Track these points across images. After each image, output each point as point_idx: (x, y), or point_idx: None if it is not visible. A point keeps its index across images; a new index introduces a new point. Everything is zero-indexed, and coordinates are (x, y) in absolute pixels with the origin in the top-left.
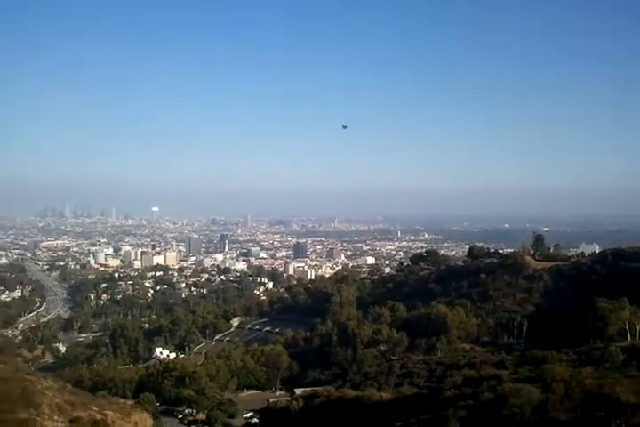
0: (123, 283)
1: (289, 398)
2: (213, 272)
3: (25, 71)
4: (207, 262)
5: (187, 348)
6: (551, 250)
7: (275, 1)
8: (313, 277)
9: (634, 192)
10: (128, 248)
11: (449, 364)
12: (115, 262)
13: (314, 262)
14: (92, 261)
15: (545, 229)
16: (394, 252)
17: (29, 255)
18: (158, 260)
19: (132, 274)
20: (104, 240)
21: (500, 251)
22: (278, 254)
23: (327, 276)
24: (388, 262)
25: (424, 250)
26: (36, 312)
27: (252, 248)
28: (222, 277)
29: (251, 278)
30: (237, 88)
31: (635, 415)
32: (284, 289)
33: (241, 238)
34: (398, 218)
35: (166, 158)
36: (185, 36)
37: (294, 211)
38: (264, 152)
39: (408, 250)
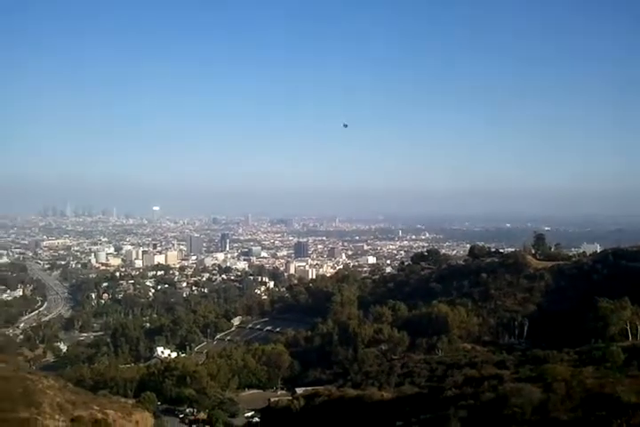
0: (124, 282)
1: (290, 398)
2: (214, 271)
3: (26, 71)
4: (208, 262)
5: (188, 347)
6: (552, 249)
7: (275, 1)
8: (314, 277)
9: (634, 192)
10: (129, 247)
11: (450, 363)
12: (116, 262)
13: (315, 262)
14: (94, 261)
15: (546, 228)
16: (395, 251)
17: (30, 254)
18: (159, 259)
19: (133, 273)
20: (105, 239)
21: (502, 250)
22: (279, 254)
23: (328, 275)
24: (389, 262)
25: (425, 249)
26: (37, 311)
27: (253, 247)
28: (223, 276)
29: (252, 278)
30: (237, 88)
31: (636, 415)
32: (284, 288)
33: (242, 238)
34: (399, 217)
35: (167, 158)
36: (185, 35)
37: (295, 210)
38: (264, 151)
39: (409, 249)
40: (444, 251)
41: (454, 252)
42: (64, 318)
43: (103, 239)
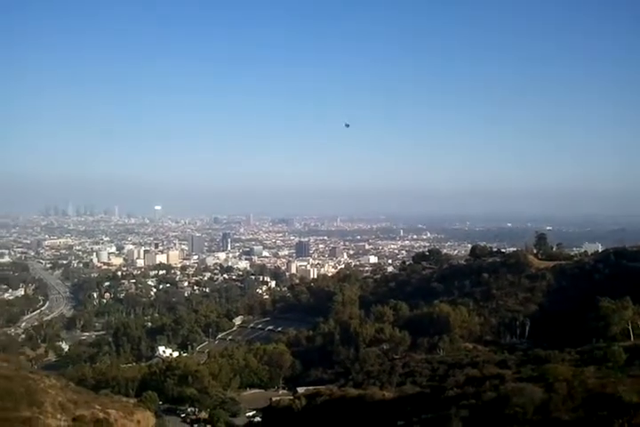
0: (125, 281)
1: (291, 397)
2: (216, 271)
3: (26, 70)
4: (210, 261)
5: (189, 347)
6: (554, 249)
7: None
8: (315, 276)
9: (634, 192)
10: (131, 247)
11: (451, 363)
12: (117, 261)
13: (316, 261)
14: (95, 260)
15: (547, 228)
16: (396, 251)
17: (32, 254)
18: (161, 258)
19: (134, 273)
20: (107, 239)
21: (503, 250)
22: (281, 253)
23: (330, 275)
24: (390, 261)
25: (426, 249)
26: (39, 311)
27: (255, 247)
28: (225, 275)
29: (253, 277)
30: (238, 87)
31: (637, 415)
32: (286, 288)
33: (243, 237)
34: (401, 217)
35: (168, 157)
36: (185, 34)
37: (296, 210)
38: (265, 151)
39: (410, 249)
40: (445, 251)
41: (456, 251)
42: (66, 317)
43: (105, 239)
